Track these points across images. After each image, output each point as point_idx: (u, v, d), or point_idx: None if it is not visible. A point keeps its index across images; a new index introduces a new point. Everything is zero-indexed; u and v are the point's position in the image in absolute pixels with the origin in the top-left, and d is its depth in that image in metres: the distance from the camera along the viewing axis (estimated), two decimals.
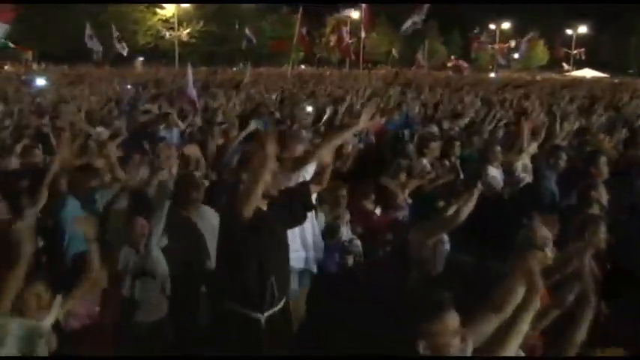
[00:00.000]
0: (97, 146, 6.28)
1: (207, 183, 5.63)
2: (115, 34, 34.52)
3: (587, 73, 54.75)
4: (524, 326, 2.58)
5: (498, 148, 6.50)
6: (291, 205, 3.67)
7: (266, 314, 3.51)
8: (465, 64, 36.26)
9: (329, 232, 4.86)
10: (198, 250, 4.23)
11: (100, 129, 7.97)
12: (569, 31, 62.94)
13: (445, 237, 4.40)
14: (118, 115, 10.32)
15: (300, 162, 4.41)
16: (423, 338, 2.44)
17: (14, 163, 6.33)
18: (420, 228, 4.47)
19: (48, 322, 3.09)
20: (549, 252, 3.91)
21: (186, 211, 4.47)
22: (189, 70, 11.77)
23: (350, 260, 4.83)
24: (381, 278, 4.40)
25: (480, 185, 4.15)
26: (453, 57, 58.32)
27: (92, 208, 4.78)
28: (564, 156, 5.94)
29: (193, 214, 4.49)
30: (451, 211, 4.42)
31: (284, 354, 3.66)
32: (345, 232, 4.92)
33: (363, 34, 17.11)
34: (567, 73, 55.89)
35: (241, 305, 3.49)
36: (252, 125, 7.53)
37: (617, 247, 4.27)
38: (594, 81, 36.69)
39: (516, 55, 60.17)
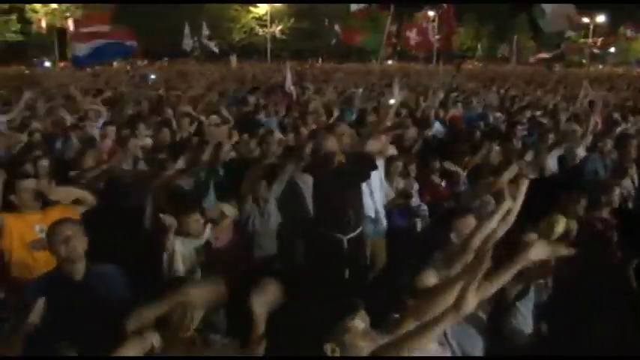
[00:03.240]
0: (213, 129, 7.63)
1: None
2: (205, 32, 36.47)
3: None
4: None
5: (551, 136, 7.41)
6: (359, 163, 4.92)
7: (347, 237, 4.78)
8: None
9: (401, 198, 6.03)
10: (299, 202, 5.54)
11: (213, 116, 9.42)
12: None
13: (489, 199, 5.45)
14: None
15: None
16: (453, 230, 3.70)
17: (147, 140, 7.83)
18: (469, 191, 5.56)
19: (201, 241, 4.40)
20: None
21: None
22: (288, 67, 13.26)
23: (418, 222, 6.00)
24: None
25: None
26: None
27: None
28: (609, 142, 6.81)
29: (298, 178, 5.71)
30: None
31: (361, 271, 4.93)
32: (414, 199, 6.08)
33: (436, 33, 17.88)
34: None
35: (329, 229, 4.80)
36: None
37: None
38: None
39: (612, 49, 58.02)
